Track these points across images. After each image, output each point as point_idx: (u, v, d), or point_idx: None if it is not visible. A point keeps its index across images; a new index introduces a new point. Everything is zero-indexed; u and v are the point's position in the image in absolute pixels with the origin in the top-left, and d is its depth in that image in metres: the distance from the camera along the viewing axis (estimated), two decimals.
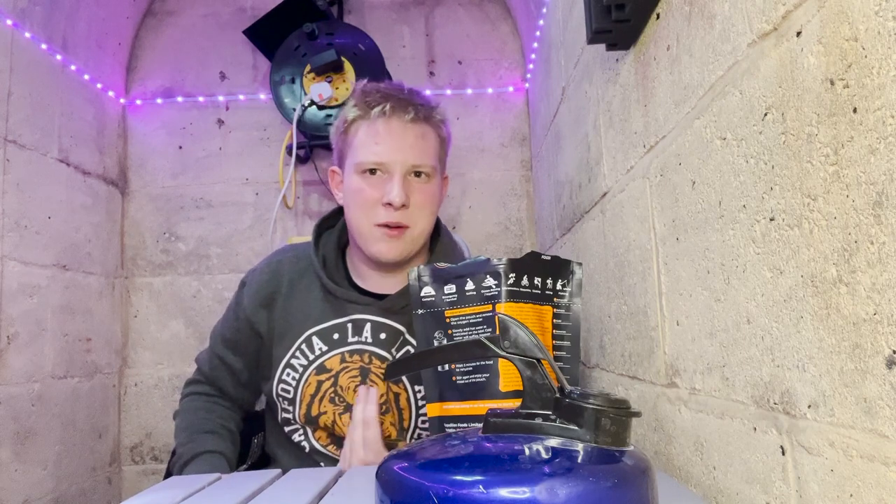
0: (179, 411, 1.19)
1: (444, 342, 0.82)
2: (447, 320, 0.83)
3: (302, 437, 1.12)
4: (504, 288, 0.80)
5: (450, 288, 0.84)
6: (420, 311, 0.85)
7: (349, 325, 1.07)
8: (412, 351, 1.06)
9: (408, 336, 1.07)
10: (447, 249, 1.14)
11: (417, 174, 1.04)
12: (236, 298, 1.16)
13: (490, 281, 0.81)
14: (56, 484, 1.63)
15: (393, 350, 1.07)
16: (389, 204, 1.00)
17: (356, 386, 1.06)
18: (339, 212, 1.14)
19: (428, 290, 0.85)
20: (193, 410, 1.17)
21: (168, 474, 1.22)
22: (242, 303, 1.14)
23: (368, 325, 1.07)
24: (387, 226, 1.01)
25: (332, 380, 1.07)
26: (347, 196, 1.06)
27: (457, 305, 0.83)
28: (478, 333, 0.80)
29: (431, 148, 1.06)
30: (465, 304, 0.82)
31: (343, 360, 1.07)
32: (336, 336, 1.08)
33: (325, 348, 1.08)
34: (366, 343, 1.07)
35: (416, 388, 1.07)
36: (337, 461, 1.07)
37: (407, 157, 1.02)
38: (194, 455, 1.09)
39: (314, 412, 1.08)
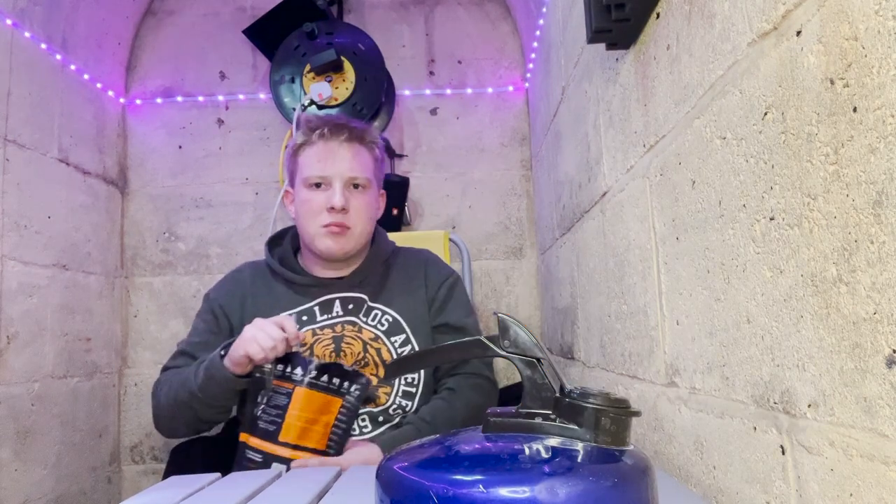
0: (160, 385, 1.20)
1: None
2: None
3: None
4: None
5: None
6: None
7: (316, 308, 1.23)
8: (378, 314, 1.24)
9: (370, 303, 1.24)
10: (380, 252, 1.31)
11: (355, 185, 1.23)
12: (204, 306, 1.30)
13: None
14: (56, 484, 1.63)
15: (361, 315, 1.23)
16: (332, 208, 1.18)
17: (330, 352, 1.20)
18: (284, 233, 1.35)
19: None
20: (176, 373, 1.20)
21: (167, 474, 1.22)
22: (214, 298, 1.28)
23: (337, 302, 1.24)
24: (332, 225, 1.19)
25: (309, 351, 1.19)
26: (298, 208, 1.24)
27: None
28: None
29: (366, 164, 1.25)
30: None
31: (315, 334, 1.21)
32: (305, 318, 1.22)
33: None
34: (336, 316, 1.22)
35: (392, 338, 1.22)
36: None
37: (344, 170, 1.21)
38: (197, 367, 1.13)
39: None
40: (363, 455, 1.06)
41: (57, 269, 1.67)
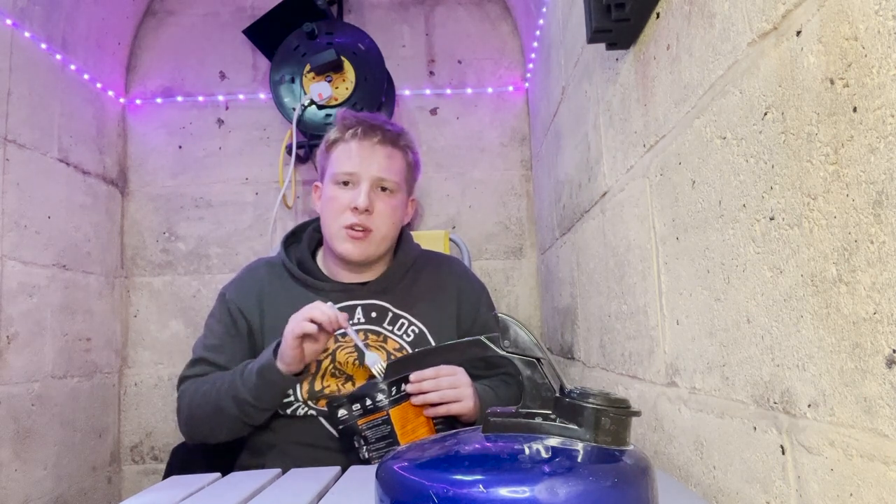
0: (186, 397, 1.16)
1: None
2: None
3: (303, 410, 1.14)
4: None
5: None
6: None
7: None
8: (405, 324, 1.21)
9: (395, 310, 1.21)
10: (406, 258, 1.28)
11: (383, 188, 1.20)
12: (219, 306, 1.23)
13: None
14: (56, 484, 1.63)
15: (385, 324, 1.20)
16: (356, 208, 1.15)
17: (353, 360, 1.17)
18: (302, 228, 1.31)
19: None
20: (204, 382, 1.15)
21: (167, 474, 1.22)
22: (231, 299, 1.22)
23: (359, 309, 1.21)
24: (352, 227, 1.16)
25: (331, 357, 1.16)
26: (323, 203, 1.22)
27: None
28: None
29: (397, 167, 1.22)
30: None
31: (336, 340, 1.17)
32: None
33: None
34: (358, 323, 1.19)
35: (416, 350, 1.16)
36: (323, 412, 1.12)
37: (373, 171, 1.18)
38: (240, 375, 1.09)
39: (317, 387, 1.14)
40: (468, 399, 1.07)
41: (57, 269, 1.67)
